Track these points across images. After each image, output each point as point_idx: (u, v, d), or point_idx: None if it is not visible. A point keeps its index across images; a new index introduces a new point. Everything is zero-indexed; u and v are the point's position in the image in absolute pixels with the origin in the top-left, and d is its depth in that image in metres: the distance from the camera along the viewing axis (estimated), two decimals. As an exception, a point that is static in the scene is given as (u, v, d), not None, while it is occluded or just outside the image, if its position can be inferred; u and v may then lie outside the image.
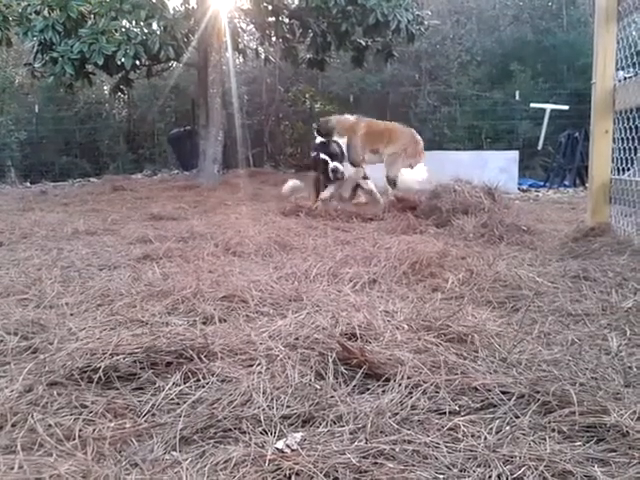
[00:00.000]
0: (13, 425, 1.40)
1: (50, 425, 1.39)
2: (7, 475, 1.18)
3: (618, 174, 3.77)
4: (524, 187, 9.49)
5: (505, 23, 14.25)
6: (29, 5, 8.36)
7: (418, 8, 9.90)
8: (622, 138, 3.73)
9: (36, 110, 13.97)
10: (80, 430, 1.37)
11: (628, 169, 3.69)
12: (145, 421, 1.44)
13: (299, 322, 2.08)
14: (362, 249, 3.49)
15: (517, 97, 12.27)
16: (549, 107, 10.73)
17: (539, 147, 10.91)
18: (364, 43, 10.33)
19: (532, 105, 11.04)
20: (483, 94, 12.97)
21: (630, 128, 3.60)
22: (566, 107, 10.58)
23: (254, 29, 11.82)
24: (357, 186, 5.99)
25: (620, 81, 3.71)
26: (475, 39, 13.70)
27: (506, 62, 13.00)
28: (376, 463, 1.25)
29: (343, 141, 5.72)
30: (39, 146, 13.94)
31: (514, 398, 1.52)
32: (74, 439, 1.33)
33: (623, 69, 3.71)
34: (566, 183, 9.88)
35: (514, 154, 9.21)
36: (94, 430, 1.38)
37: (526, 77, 12.56)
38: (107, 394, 1.57)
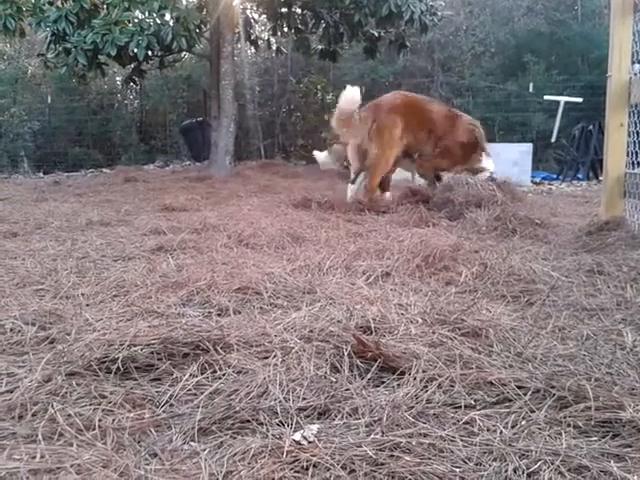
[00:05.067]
0: (33, 415, 1.42)
1: (70, 415, 1.41)
2: (29, 464, 1.20)
3: (633, 168, 3.75)
4: (537, 180, 9.44)
5: (519, 14, 14.12)
6: (42, -4, 8.40)
7: (431, -1, 9.84)
8: (637, 132, 3.70)
9: (49, 100, 14.01)
10: (100, 420, 1.39)
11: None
12: (163, 412, 1.46)
13: (313, 315, 2.09)
14: (375, 242, 3.49)
15: (531, 89, 12.17)
16: (563, 99, 10.64)
17: (553, 140, 10.82)
18: (377, 34, 10.27)
19: (546, 97, 10.94)
20: (496, 86, 12.88)
21: (646, 121, 3.58)
22: (580, 99, 10.49)
23: (266, 20, 11.77)
24: None
25: (636, 74, 3.68)
26: (489, 30, 13.60)
27: (520, 54, 12.88)
28: (392, 456, 1.26)
29: None
30: (52, 136, 14.00)
31: (530, 393, 1.52)
32: (94, 429, 1.35)
33: (639, 62, 3.68)
34: (579, 176, 9.81)
35: (527, 147, 9.15)
36: (113, 420, 1.40)
37: (540, 69, 12.44)
38: (125, 384, 1.59)
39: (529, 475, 1.19)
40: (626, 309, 2.23)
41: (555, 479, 1.17)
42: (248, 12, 11.27)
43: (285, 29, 10.89)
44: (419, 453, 1.27)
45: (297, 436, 1.32)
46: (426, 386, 1.57)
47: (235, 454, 1.26)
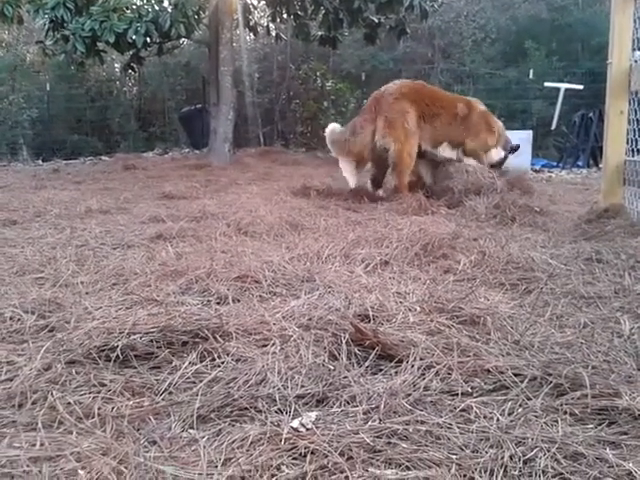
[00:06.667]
0: (33, 403, 1.43)
1: (69, 403, 1.42)
2: (29, 452, 1.21)
3: (632, 155, 3.74)
4: (537, 167, 9.42)
5: (520, 0, 14.04)
6: (40, -18, 8.34)
7: (432, -16, 9.77)
8: (637, 119, 3.69)
9: (47, 88, 13.94)
10: (99, 408, 1.40)
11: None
12: (163, 399, 1.47)
13: (312, 303, 2.10)
14: (374, 230, 3.49)
15: (531, 76, 12.13)
16: (563, 86, 10.58)
17: (553, 127, 10.79)
18: (377, 20, 10.22)
19: (546, 84, 10.90)
20: (497, 72, 12.83)
21: (646, 109, 3.57)
22: (580, 86, 10.44)
23: (265, 6, 11.70)
24: None
25: (636, 61, 3.67)
26: (489, 16, 13.53)
27: (520, 40, 12.84)
28: (390, 443, 1.27)
29: None
30: (50, 124, 13.95)
31: (526, 380, 1.53)
32: (93, 417, 1.36)
33: (639, 49, 3.67)
34: (579, 164, 9.80)
35: (527, 134, 9.12)
36: (113, 408, 1.41)
37: (540, 55, 12.40)
38: (125, 373, 1.60)
39: (525, 462, 1.20)
40: (624, 297, 2.24)
41: (551, 466, 1.18)
42: (247, -2, 11.20)
43: (284, 15, 10.82)
44: (416, 440, 1.28)
45: (295, 423, 1.33)
46: (423, 374, 1.57)
47: (234, 441, 1.27)
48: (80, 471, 1.14)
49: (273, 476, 1.16)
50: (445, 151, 5.30)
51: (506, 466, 1.18)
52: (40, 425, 1.32)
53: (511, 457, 1.21)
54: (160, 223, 3.90)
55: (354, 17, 9.97)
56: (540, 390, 1.48)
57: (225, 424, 1.36)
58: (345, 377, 1.56)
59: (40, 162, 11.95)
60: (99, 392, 1.49)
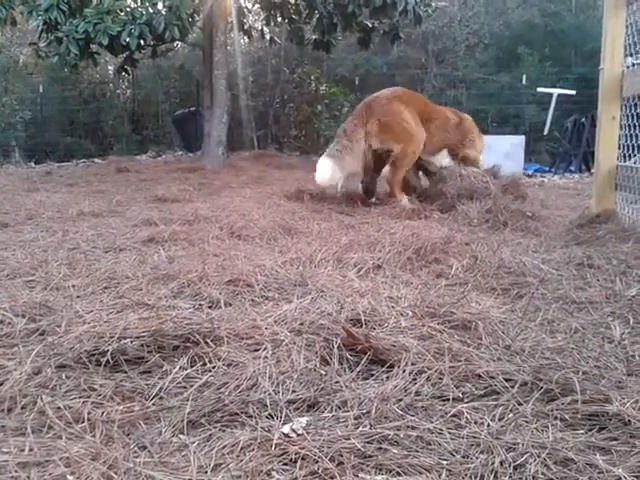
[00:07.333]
0: (23, 407, 1.42)
1: (59, 408, 1.41)
2: (18, 457, 1.20)
3: (624, 161, 3.76)
4: (530, 172, 9.46)
5: (513, 6, 14.11)
6: (34, -16, 8.31)
7: (425, -11, 9.79)
8: (629, 125, 3.71)
9: (40, 90, 13.88)
10: (89, 413, 1.39)
11: (635, 155, 3.68)
12: (153, 404, 1.46)
13: (304, 307, 2.10)
14: (366, 234, 3.49)
15: (524, 81, 12.18)
16: (556, 92, 10.64)
17: (545, 132, 10.83)
18: (371, 25, 10.23)
19: (539, 89, 10.94)
20: (490, 77, 12.88)
21: (637, 115, 3.59)
22: (573, 92, 10.50)
23: (260, 9, 11.70)
24: None
25: (628, 67, 3.69)
26: (482, 22, 13.58)
27: (513, 45, 12.90)
28: (380, 448, 1.27)
29: None
30: (43, 126, 13.88)
31: (517, 385, 1.53)
32: (83, 422, 1.35)
33: (632, 55, 3.69)
34: (572, 169, 9.84)
35: (520, 139, 9.17)
36: (103, 413, 1.40)
37: (533, 61, 12.46)
38: (115, 377, 1.59)
39: (515, 468, 1.20)
40: (615, 302, 2.25)
41: (541, 472, 1.18)
42: (241, 1, 11.20)
43: (279, 19, 10.81)
44: (407, 445, 1.28)
45: (286, 429, 1.33)
46: (415, 379, 1.57)
47: (224, 447, 1.27)
48: (69, 476, 1.14)
49: (263, 482, 1.16)
50: (444, 160, 5.26)
51: (496, 472, 1.19)
52: (29, 430, 1.31)
53: (501, 463, 1.21)
54: (152, 226, 3.89)
55: (348, 21, 9.98)
56: (531, 395, 1.49)
57: (215, 429, 1.35)
58: (336, 382, 1.56)
59: (33, 164, 11.88)
60: (89, 397, 1.48)
